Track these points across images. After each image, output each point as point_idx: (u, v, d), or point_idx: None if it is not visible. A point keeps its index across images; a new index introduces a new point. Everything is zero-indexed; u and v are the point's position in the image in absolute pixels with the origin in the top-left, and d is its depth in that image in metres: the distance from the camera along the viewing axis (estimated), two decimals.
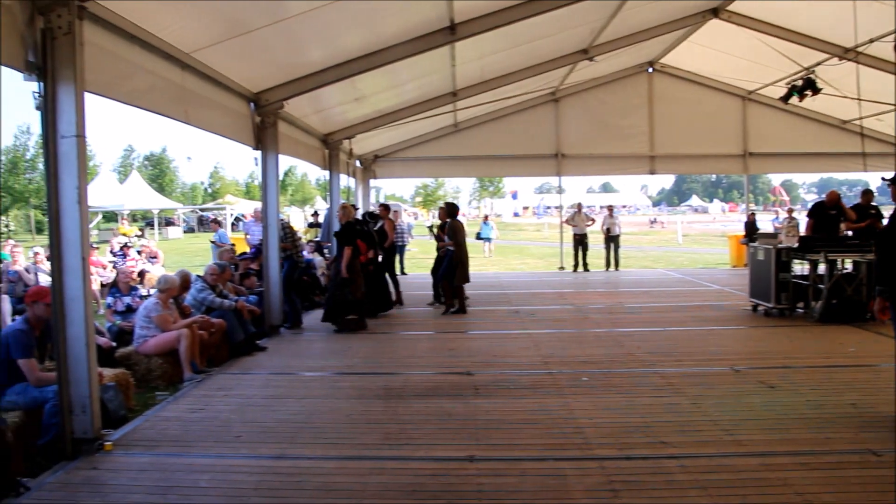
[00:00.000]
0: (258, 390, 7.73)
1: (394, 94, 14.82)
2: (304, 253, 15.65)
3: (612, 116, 20.65)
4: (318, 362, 9.25)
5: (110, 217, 51.32)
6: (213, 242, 16.58)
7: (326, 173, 16.91)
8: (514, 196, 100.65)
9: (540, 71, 15.92)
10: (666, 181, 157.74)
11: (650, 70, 20.36)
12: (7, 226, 65.27)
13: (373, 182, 22.62)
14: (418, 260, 25.03)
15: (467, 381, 7.94)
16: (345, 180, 18.87)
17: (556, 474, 5.05)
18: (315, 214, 27.27)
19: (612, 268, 21.60)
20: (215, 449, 5.78)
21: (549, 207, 74.99)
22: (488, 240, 31.53)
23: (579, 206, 23.38)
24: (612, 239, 21.79)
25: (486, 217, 36.73)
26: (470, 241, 14.33)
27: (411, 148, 21.40)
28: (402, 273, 21.05)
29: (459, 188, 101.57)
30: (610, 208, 22.91)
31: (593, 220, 22.85)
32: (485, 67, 14.83)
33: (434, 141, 21.25)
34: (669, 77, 20.45)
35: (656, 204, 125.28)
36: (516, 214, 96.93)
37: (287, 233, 11.76)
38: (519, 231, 57.64)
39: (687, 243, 39.35)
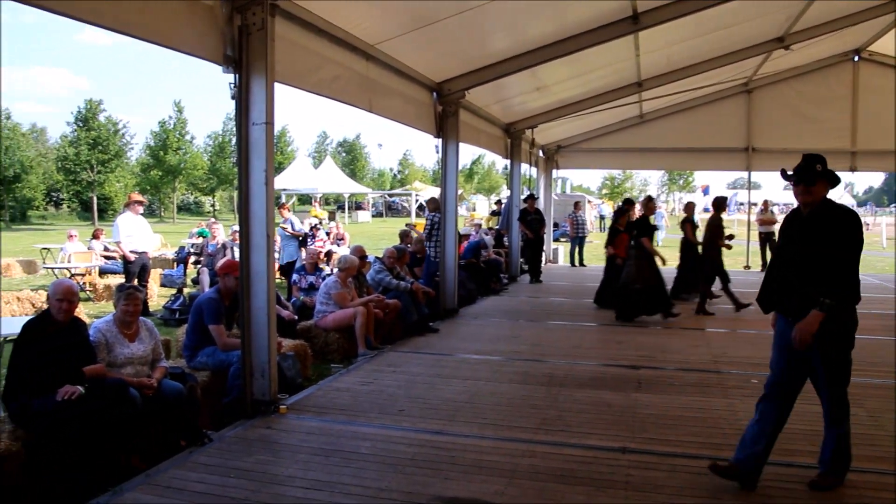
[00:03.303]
0: (426, 369, 8.04)
1: (576, 84, 14.73)
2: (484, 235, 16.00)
3: (810, 108, 19.05)
4: (487, 346, 9.42)
5: (305, 200, 54.40)
6: (282, 228, 14.28)
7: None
8: (706, 191, 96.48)
9: (731, 60, 15.17)
10: (875, 179, 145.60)
11: (856, 59, 18.85)
12: (213, 205, 70.67)
13: (559, 172, 22.46)
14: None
15: (631, 374, 7.87)
16: (526, 170, 19.03)
17: (707, 473, 4.92)
18: (498, 203, 27.63)
19: None
20: (379, 420, 6.12)
21: (741, 203, 71.76)
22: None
23: (766, 203, 22.16)
24: None
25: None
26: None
27: (595, 139, 21.14)
28: (582, 264, 20.96)
29: (647, 181, 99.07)
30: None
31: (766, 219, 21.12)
32: (671, 56, 14.41)
33: (619, 132, 20.82)
34: (878, 66, 18.60)
35: (862, 204, 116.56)
36: (707, 210, 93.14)
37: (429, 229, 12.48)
38: None
39: (893, 247, 36.32)
